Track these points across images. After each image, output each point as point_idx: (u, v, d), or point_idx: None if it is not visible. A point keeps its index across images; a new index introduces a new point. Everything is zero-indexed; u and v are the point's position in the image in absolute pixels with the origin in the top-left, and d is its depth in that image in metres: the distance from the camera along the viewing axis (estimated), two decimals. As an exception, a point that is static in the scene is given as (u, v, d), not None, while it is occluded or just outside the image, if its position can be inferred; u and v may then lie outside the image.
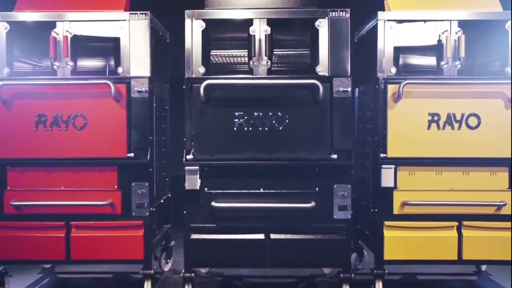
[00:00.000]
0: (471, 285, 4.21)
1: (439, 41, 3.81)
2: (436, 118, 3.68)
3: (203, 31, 3.70)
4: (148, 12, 3.75)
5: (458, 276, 4.35)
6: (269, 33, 3.68)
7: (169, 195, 4.51)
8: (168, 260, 4.55)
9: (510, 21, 3.71)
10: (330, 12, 3.67)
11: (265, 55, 3.69)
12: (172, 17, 4.26)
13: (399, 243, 3.70)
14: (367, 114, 4.07)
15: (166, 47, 4.42)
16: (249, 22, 3.70)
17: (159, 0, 5.22)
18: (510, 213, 3.67)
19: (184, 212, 3.67)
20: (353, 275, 3.68)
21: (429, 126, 3.68)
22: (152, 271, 3.76)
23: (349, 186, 3.64)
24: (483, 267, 4.45)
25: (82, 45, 3.91)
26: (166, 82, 4.43)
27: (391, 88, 3.67)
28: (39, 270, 4.49)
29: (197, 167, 3.63)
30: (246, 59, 3.85)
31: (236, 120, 3.62)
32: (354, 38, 4.46)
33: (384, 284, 3.75)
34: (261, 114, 3.62)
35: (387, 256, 3.70)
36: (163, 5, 4.94)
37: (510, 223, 3.67)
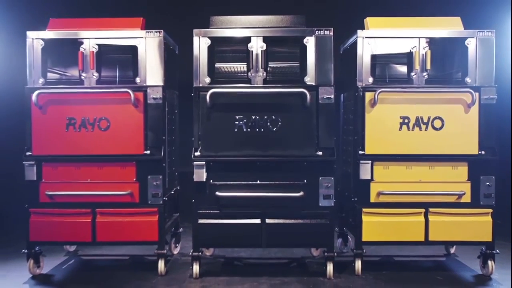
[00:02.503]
0: (440, 264, 4.79)
1: (410, 55, 4.39)
2: (406, 120, 4.26)
3: (208, 47, 4.27)
4: (162, 30, 4.34)
5: (429, 258, 4.93)
6: (265, 48, 4.26)
7: (178, 188, 5.12)
8: (177, 245, 5.14)
9: (469, 38, 4.33)
10: (317, 31, 4.25)
11: (261, 67, 4.27)
12: (179, 32, 4.87)
13: (375, 227, 4.28)
14: (349, 117, 4.68)
15: (175, 58, 5.02)
16: (248, 39, 4.27)
17: (169, 19, 5.87)
18: (469, 201, 4.28)
19: (193, 200, 4.25)
20: (335, 253, 4.28)
21: (400, 128, 4.27)
22: (165, 251, 4.35)
23: (332, 178, 4.22)
24: (452, 250, 5.04)
25: (106, 59, 4.50)
26: (175, 89, 5.02)
27: (368, 95, 4.26)
28: (64, 253, 5.05)
29: (204, 162, 4.20)
30: (245, 69, 4.42)
31: (237, 122, 4.20)
32: (340, 50, 5.07)
33: (363, 262, 4.34)
34: (258, 117, 4.20)
35: (365, 238, 4.29)
36: (172, 22, 5.54)
37: (468, 209, 4.28)
